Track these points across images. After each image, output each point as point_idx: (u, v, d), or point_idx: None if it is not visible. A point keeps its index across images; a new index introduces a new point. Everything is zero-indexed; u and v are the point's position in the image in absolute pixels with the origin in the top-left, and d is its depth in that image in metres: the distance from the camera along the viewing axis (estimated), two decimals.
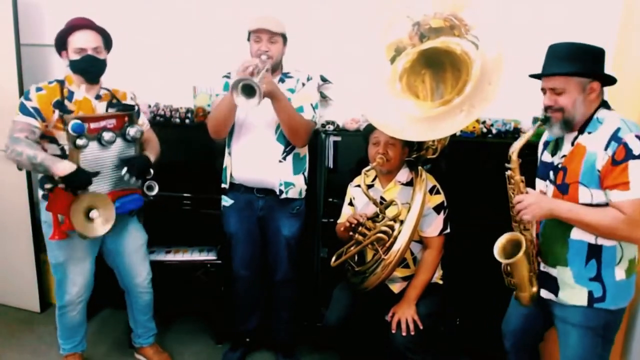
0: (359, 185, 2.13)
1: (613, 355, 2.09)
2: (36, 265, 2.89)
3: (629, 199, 1.44)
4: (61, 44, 2.05)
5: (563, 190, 1.59)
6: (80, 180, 1.98)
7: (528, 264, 1.67)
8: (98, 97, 2.14)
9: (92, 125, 2.04)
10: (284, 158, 2.21)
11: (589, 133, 1.56)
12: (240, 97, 1.84)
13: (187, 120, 2.75)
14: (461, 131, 2.49)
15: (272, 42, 2.13)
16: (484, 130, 2.53)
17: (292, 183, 2.24)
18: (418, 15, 1.85)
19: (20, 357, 2.55)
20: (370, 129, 2.06)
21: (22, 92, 2.66)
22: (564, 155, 1.62)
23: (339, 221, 2.24)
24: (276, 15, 2.18)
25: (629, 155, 1.44)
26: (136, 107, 2.25)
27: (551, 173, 1.66)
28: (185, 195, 2.68)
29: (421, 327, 1.92)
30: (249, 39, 2.18)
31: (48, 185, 2.01)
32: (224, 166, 2.32)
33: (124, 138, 2.15)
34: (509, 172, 1.64)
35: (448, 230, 2.08)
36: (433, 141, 2.05)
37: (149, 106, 2.80)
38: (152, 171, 2.21)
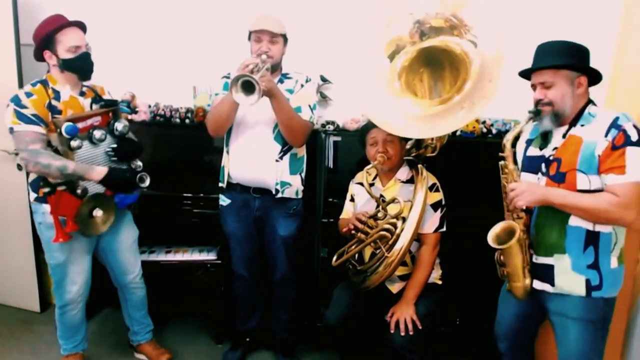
0: (360, 183, 2.13)
1: (613, 355, 2.09)
2: (36, 265, 2.88)
3: (624, 181, 1.50)
4: (46, 42, 2.00)
5: (558, 179, 1.61)
6: (117, 179, 2.02)
7: (521, 254, 1.69)
8: (82, 94, 2.14)
9: (81, 125, 2.01)
10: (281, 158, 2.21)
11: (582, 126, 1.61)
12: (239, 94, 1.86)
13: (187, 120, 2.75)
14: (461, 131, 2.50)
15: (272, 42, 2.14)
16: (484, 130, 2.53)
17: (288, 183, 2.24)
18: (420, 13, 1.85)
19: (20, 357, 2.55)
20: (366, 130, 2.07)
21: None
22: (555, 148, 1.65)
23: (341, 217, 2.25)
24: (277, 16, 2.18)
25: (627, 141, 1.50)
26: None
27: (543, 165, 1.68)
28: (185, 195, 2.68)
29: (420, 327, 1.92)
30: (249, 39, 2.19)
31: (46, 189, 1.99)
32: (222, 165, 2.32)
33: (111, 134, 2.15)
34: (502, 162, 1.71)
35: (444, 229, 2.08)
36: (432, 139, 2.06)
37: (149, 106, 2.80)
38: (139, 163, 2.23)
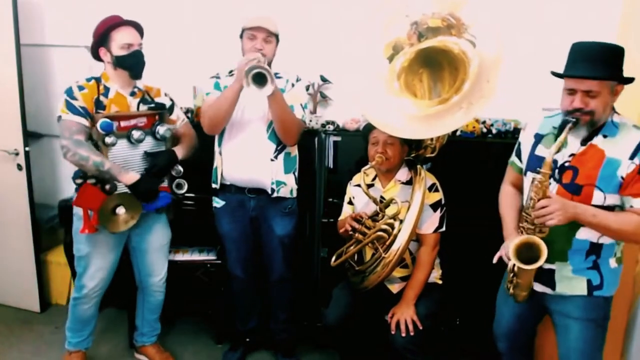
0: (358, 185, 2.13)
1: (613, 355, 2.09)
2: (36, 265, 2.89)
3: None
4: (102, 40, 2.06)
5: (573, 190, 1.57)
6: (145, 189, 2.05)
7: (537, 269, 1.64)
8: (133, 94, 2.17)
9: (123, 124, 2.08)
10: (276, 157, 2.21)
11: (605, 137, 1.56)
12: (252, 87, 1.89)
13: None
14: (461, 131, 2.49)
15: (267, 41, 2.14)
16: (484, 130, 2.53)
17: (283, 182, 2.24)
18: (416, 14, 1.85)
19: (20, 356, 2.55)
20: (369, 128, 2.06)
21: (22, 92, 2.68)
22: (572, 154, 1.60)
23: (340, 218, 2.25)
24: (272, 16, 2.19)
25: None
26: (170, 102, 2.29)
27: (556, 171, 1.62)
28: (185, 195, 2.67)
29: (420, 328, 1.92)
30: (241, 36, 2.18)
31: (79, 180, 2.05)
32: (214, 166, 2.32)
33: (153, 136, 2.18)
34: (538, 177, 1.55)
35: (443, 229, 2.07)
36: (431, 140, 2.05)
37: None
38: (180, 168, 2.24)
